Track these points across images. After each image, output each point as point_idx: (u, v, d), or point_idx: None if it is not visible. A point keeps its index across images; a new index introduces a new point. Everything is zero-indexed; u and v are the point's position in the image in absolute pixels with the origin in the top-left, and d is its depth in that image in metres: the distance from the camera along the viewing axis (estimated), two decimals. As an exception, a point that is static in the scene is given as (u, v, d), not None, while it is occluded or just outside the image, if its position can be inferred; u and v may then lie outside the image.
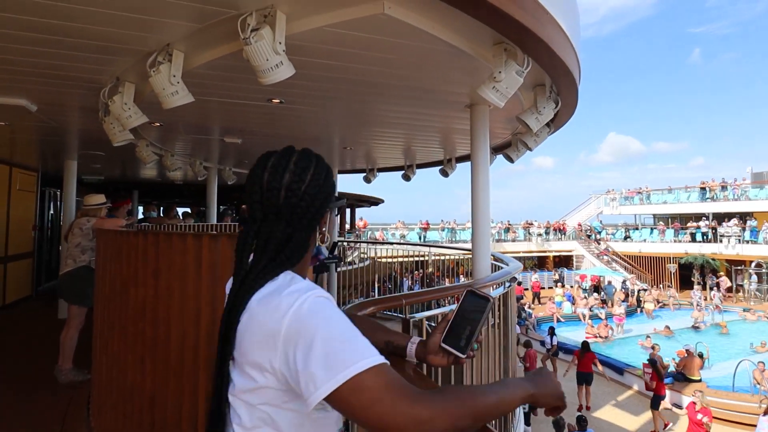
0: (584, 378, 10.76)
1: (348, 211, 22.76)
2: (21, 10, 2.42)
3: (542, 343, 13.36)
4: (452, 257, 10.04)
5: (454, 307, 1.20)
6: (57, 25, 2.59)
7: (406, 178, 8.57)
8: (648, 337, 14.28)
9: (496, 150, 6.60)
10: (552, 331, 12.92)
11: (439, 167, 7.76)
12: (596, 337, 15.57)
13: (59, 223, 10.39)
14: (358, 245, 13.06)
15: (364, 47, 2.82)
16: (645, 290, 21.86)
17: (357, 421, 0.83)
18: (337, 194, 1.14)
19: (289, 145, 1.06)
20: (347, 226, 21.54)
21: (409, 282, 16.10)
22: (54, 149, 7.10)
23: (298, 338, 0.83)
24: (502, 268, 4.41)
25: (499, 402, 0.87)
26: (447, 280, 10.55)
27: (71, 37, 2.76)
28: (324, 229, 1.05)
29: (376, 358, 0.82)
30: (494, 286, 3.66)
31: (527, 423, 8.43)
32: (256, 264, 0.96)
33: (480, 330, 1.12)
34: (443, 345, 1.12)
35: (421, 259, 10.49)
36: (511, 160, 5.86)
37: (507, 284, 3.77)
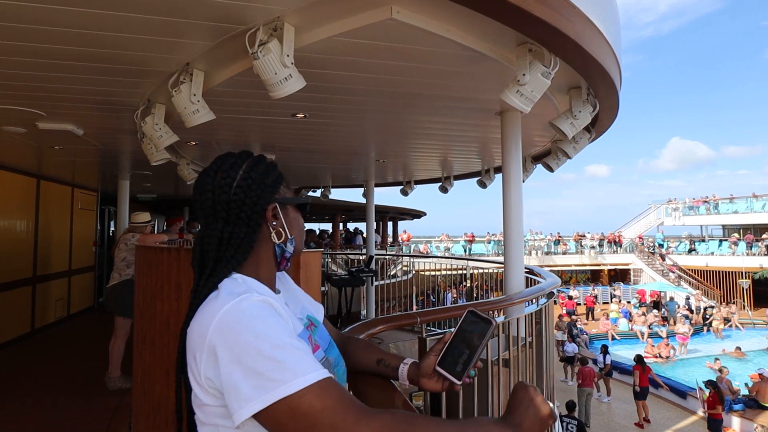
0: (644, 393, 10.39)
1: (390, 224, 22.76)
2: (59, 40, 2.54)
3: (594, 361, 12.65)
4: (492, 271, 9.73)
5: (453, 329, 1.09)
6: (88, 52, 2.71)
7: (444, 190, 8.42)
8: (717, 359, 13.22)
9: (535, 159, 6.36)
10: (605, 350, 12.22)
11: (477, 178, 7.58)
12: (656, 357, 14.59)
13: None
14: (400, 258, 12.96)
15: (378, 56, 2.77)
16: (712, 307, 20.29)
17: None
18: (303, 195, 1.08)
19: (227, 152, 1.03)
20: (390, 239, 21.52)
21: (454, 295, 15.78)
22: (108, 170, 7.52)
23: (222, 349, 0.76)
24: (538, 282, 4.19)
25: None
26: (494, 293, 10.23)
27: (102, 62, 2.87)
28: (274, 224, 0.99)
29: (314, 375, 0.74)
30: (528, 303, 3.47)
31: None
32: (203, 270, 0.93)
33: (479, 355, 1.01)
34: (438, 369, 1.03)
35: (471, 272, 10.26)
36: (550, 170, 5.61)
37: (543, 300, 3.56)
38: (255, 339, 0.75)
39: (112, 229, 11.28)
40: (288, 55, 2.25)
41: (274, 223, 0.99)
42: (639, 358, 11.09)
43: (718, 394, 9.12)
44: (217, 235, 0.94)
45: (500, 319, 3.42)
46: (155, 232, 6.83)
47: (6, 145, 5.20)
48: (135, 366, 3.83)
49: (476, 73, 3.23)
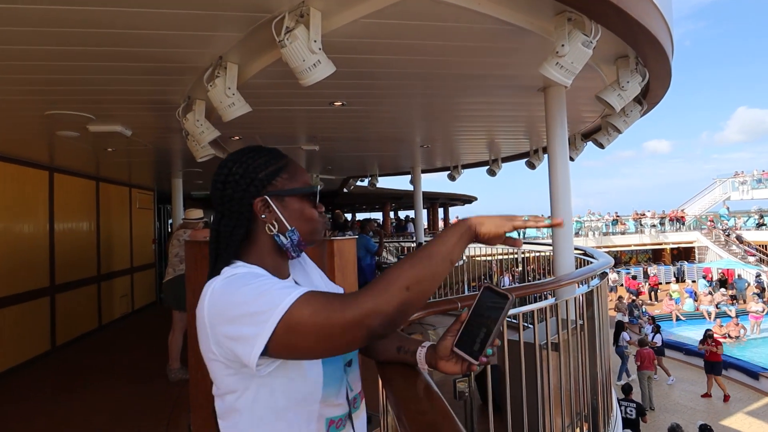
0: (711, 367, 10.23)
1: (441, 210, 22.59)
2: (101, 41, 2.63)
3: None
4: (548, 254, 9.46)
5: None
6: (128, 51, 2.79)
7: (492, 173, 8.24)
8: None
9: (585, 136, 6.08)
10: (657, 329, 11.66)
11: (526, 159, 7.35)
12: (725, 337, 13.76)
13: (174, 236, 11.53)
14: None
15: (408, 36, 2.69)
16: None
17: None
18: (315, 184, 1.08)
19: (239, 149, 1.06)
20: (441, 225, 21.37)
21: (510, 279, 15.53)
22: (161, 169, 7.84)
23: (218, 317, 0.84)
24: (590, 263, 4.01)
25: (432, 255, 0.83)
26: (549, 276, 9.98)
27: (142, 61, 2.96)
28: (263, 216, 0.99)
29: (295, 294, 0.80)
30: (579, 284, 3.32)
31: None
32: (210, 264, 1.00)
33: (497, 332, 0.95)
34: (455, 349, 0.98)
35: (521, 256, 10.05)
36: (601, 146, 5.35)
37: (595, 281, 3.40)
38: (241, 294, 0.83)
39: (170, 224, 11.81)
40: (315, 41, 2.22)
41: (263, 216, 0.99)
42: (710, 334, 10.80)
43: None
44: (214, 228, 1.00)
45: (551, 301, 3.30)
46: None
47: (64, 150, 5.52)
48: (189, 357, 3.98)
49: (514, 48, 3.09)
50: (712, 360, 10.32)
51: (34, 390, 4.89)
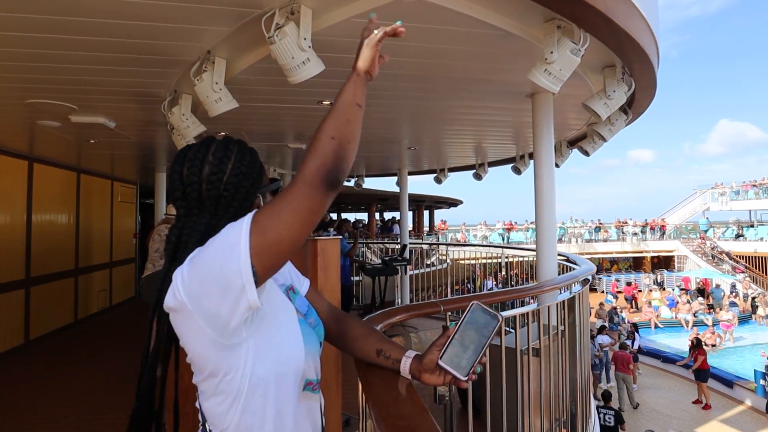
0: (702, 375, 10.50)
1: (427, 213, 22.62)
2: (86, 31, 2.57)
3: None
4: (531, 259, 9.54)
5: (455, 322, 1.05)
6: (114, 42, 2.73)
7: (478, 177, 8.27)
8: (771, 348, 12.61)
9: (572, 143, 6.15)
10: (631, 335, 11.85)
11: (512, 164, 7.40)
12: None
13: (156, 231, 11.38)
14: (437, 247, 12.90)
15: (400, 38, 2.68)
16: (759, 294, 19.39)
17: (297, 237, 0.83)
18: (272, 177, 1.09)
19: (207, 136, 1.04)
20: (426, 228, 21.42)
21: (494, 283, 15.65)
22: (145, 163, 7.71)
23: (196, 283, 0.83)
24: (573, 269, 4.04)
25: (339, 106, 0.88)
26: (532, 282, 10.05)
27: (128, 53, 2.90)
28: None
29: (249, 214, 0.83)
30: (561, 290, 3.35)
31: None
32: (173, 263, 0.93)
33: (484, 351, 0.98)
34: (441, 364, 0.99)
35: (505, 260, 10.14)
36: (586, 154, 5.42)
37: (576, 287, 3.43)
38: (206, 253, 0.85)
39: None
40: (305, 39, 2.20)
41: None
42: (698, 341, 11.02)
43: None
44: (200, 229, 0.95)
45: (533, 306, 3.32)
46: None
47: (45, 140, 5.39)
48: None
49: (504, 54, 3.10)
50: (700, 368, 10.50)
51: (5, 385, 4.77)
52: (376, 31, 0.97)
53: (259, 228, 0.80)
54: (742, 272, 22.59)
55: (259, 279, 0.81)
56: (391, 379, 1.06)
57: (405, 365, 1.07)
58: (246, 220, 0.81)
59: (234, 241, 0.80)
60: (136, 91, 3.68)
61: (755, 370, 10.41)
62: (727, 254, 24.57)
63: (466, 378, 0.97)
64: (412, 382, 1.09)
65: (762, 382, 9.53)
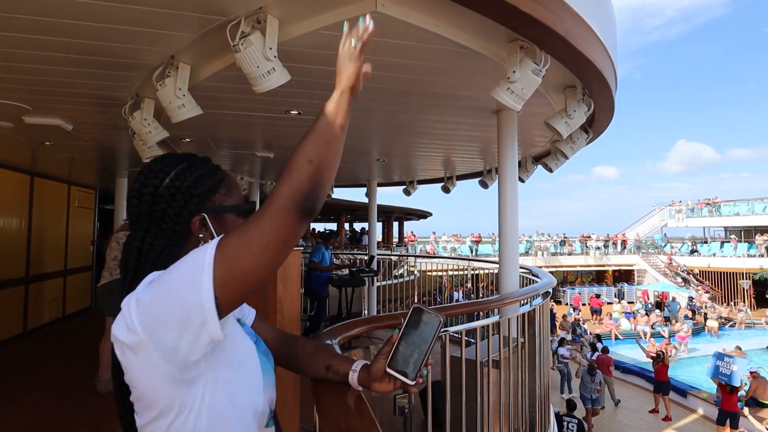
0: (661, 387, 10.80)
1: (396, 224, 22.73)
2: (42, 30, 2.49)
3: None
4: (495, 271, 9.69)
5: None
6: (72, 43, 2.65)
7: (446, 190, 8.38)
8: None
9: (536, 159, 6.31)
10: (593, 347, 12.16)
11: (479, 178, 7.53)
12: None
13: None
14: (406, 259, 12.96)
15: (368, 51, 2.67)
16: (708, 307, 20.34)
17: (263, 271, 0.76)
18: (247, 200, 1.03)
19: (165, 154, 0.99)
20: (395, 240, 21.51)
21: (461, 295, 15.82)
22: (105, 167, 7.47)
23: (153, 316, 0.75)
24: (535, 282, 4.13)
25: (319, 127, 0.81)
26: (498, 293, 10.11)
27: (87, 54, 2.82)
28: (201, 235, 0.93)
29: (213, 242, 0.76)
30: (522, 302, 3.41)
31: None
32: (126, 276, 0.90)
33: (429, 353, 0.97)
34: (389, 370, 0.99)
35: (472, 272, 10.26)
36: (550, 170, 5.56)
37: (537, 300, 3.51)
38: (165, 280, 0.77)
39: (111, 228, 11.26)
40: (271, 48, 2.20)
41: (201, 235, 0.93)
42: (662, 355, 11.34)
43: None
44: (136, 245, 0.90)
45: (494, 318, 3.37)
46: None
47: (-3, 142, 5.17)
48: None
49: (469, 71, 3.17)
50: (660, 379, 10.86)
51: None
52: (353, 42, 0.88)
53: (225, 258, 0.73)
54: (707, 292, 23.55)
55: (222, 312, 0.74)
56: (341, 393, 1.06)
57: (353, 378, 1.07)
58: (210, 248, 0.74)
59: (196, 271, 0.73)
60: (96, 94, 3.58)
61: (715, 351, 10.72)
62: (682, 269, 25.60)
63: (414, 383, 0.97)
64: (362, 396, 1.08)
65: (718, 362, 9.89)
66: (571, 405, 8.75)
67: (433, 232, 27.54)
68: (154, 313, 0.75)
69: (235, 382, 0.86)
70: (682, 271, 25.37)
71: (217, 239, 0.76)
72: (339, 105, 0.84)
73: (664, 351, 11.74)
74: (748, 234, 25.19)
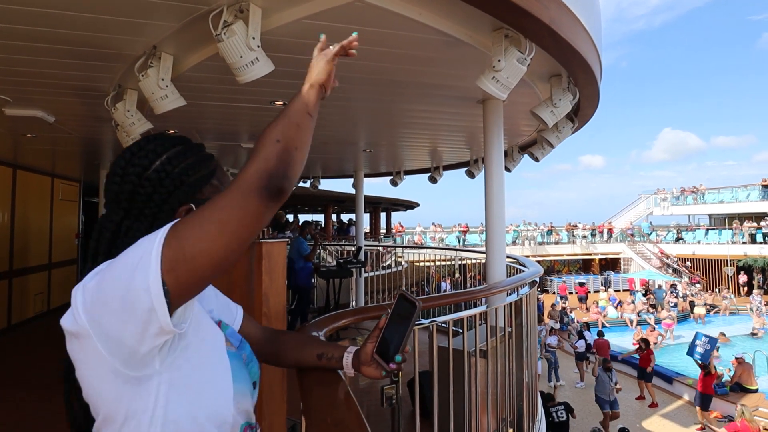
0: (649, 375, 10.99)
1: (384, 215, 22.71)
2: (22, 20, 2.43)
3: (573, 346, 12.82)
4: (483, 261, 9.74)
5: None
6: (53, 33, 2.60)
7: (433, 180, 8.38)
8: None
9: (523, 149, 6.33)
10: (581, 335, 12.33)
11: (466, 168, 7.54)
12: (643, 343, 14.72)
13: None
14: (394, 249, 12.99)
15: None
16: (695, 294, 20.69)
17: (222, 255, 0.69)
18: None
19: (156, 133, 0.93)
20: (383, 231, 21.52)
21: (449, 285, 15.91)
22: (89, 159, 7.36)
23: (98, 298, 0.69)
24: (522, 272, 4.16)
25: (288, 111, 0.80)
26: (485, 284, 10.19)
27: (68, 44, 2.76)
28: None
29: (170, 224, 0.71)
30: (509, 292, 3.43)
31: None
32: (94, 261, 0.82)
33: (406, 340, 0.99)
34: (375, 356, 1.02)
35: (460, 262, 10.30)
36: (536, 159, 5.59)
37: (524, 289, 3.53)
38: (115, 266, 0.71)
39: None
40: (254, 38, 2.17)
41: None
42: (646, 342, 11.43)
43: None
44: (111, 228, 0.84)
45: (481, 308, 3.39)
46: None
47: (-23, 134, 5.06)
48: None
49: (455, 60, 3.16)
50: (644, 366, 11.00)
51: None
52: (331, 47, 0.92)
53: (176, 239, 0.67)
54: (698, 282, 23.88)
55: (173, 299, 0.67)
56: (328, 384, 1.06)
57: (347, 360, 1.08)
58: (162, 230, 0.69)
59: (145, 252, 0.67)
60: (77, 85, 3.51)
61: (696, 332, 10.94)
62: (667, 256, 25.94)
63: (388, 369, 0.99)
64: (348, 389, 1.09)
65: (697, 342, 10.13)
66: (547, 396, 8.51)
67: (419, 224, 27.59)
68: (97, 297, 0.69)
69: (197, 388, 0.77)
70: (673, 262, 25.68)
71: (173, 222, 0.71)
72: (308, 96, 0.84)
73: (647, 339, 11.92)
74: (731, 221, 25.59)
